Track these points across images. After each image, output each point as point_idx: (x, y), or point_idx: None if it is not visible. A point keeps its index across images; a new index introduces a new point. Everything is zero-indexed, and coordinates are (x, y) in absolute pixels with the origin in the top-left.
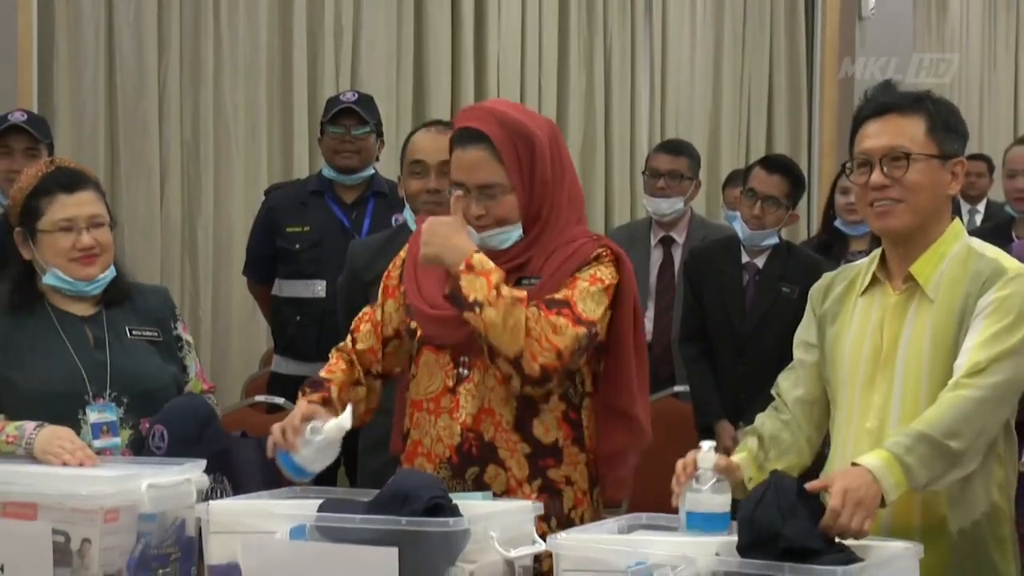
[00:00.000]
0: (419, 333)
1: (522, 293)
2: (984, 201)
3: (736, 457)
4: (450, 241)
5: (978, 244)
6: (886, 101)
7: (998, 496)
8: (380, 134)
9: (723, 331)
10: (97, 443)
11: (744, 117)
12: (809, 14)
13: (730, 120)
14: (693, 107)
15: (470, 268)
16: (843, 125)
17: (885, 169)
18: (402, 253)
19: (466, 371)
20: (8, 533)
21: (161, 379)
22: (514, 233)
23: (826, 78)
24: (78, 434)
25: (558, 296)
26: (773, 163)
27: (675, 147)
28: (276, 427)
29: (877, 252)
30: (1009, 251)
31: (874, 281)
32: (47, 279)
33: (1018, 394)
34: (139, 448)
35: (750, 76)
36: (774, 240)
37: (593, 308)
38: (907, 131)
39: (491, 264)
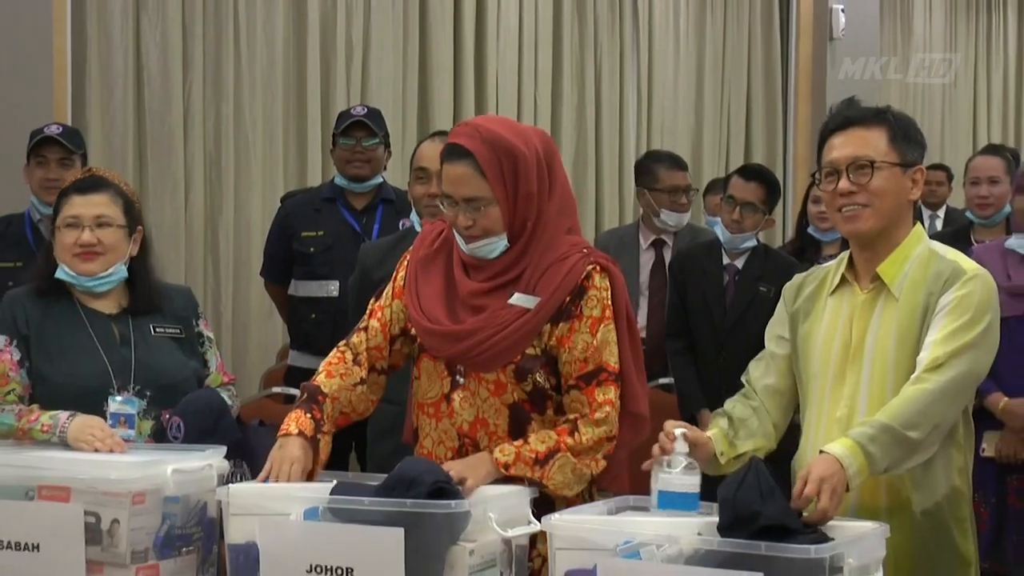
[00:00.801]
0: (419, 339)
1: (552, 445)
2: (944, 208)
3: (708, 434)
4: (480, 474)
5: (939, 247)
6: (850, 115)
7: (958, 480)
8: (388, 145)
9: (705, 327)
10: (117, 433)
11: (724, 131)
12: (784, 36)
13: (711, 133)
14: (677, 121)
15: (505, 467)
16: (816, 139)
17: (852, 177)
18: (407, 254)
19: (461, 379)
20: (44, 514)
21: (183, 373)
22: (500, 243)
23: (800, 95)
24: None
25: (589, 366)
26: (750, 172)
27: (683, 161)
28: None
29: (845, 255)
30: (969, 254)
31: (843, 281)
32: (58, 273)
33: (975, 385)
34: (160, 438)
35: (729, 93)
36: (752, 243)
37: (612, 351)
38: (870, 142)
39: (511, 451)
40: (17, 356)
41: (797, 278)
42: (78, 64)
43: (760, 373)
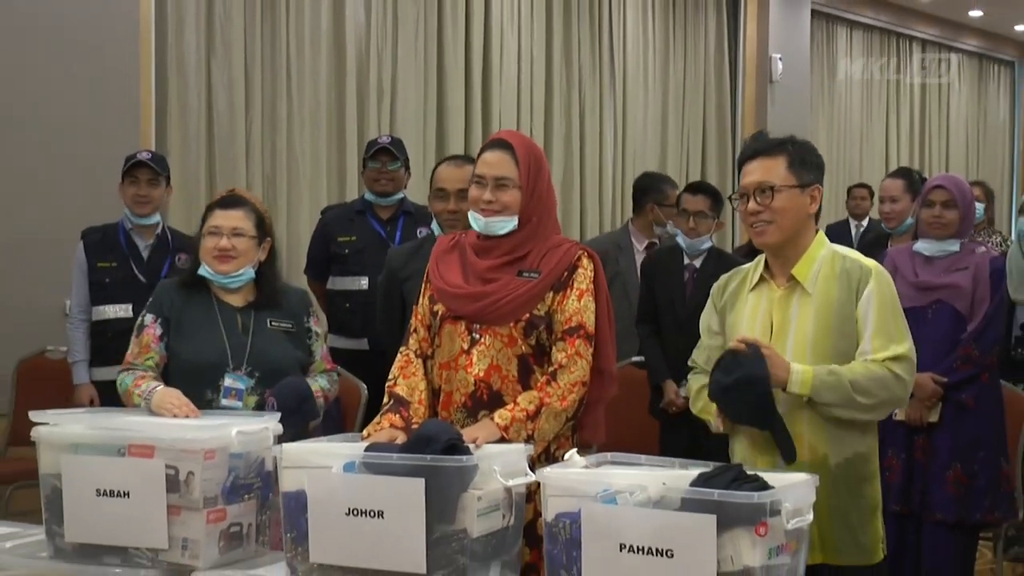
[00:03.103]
0: (440, 312)
1: (532, 404)
2: (867, 219)
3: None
4: (485, 434)
5: (839, 248)
6: (757, 147)
7: (869, 439)
8: (408, 167)
9: (669, 315)
10: (224, 402)
11: (684, 156)
12: (732, 79)
13: (673, 158)
14: (646, 149)
15: (506, 430)
16: None
17: (758, 199)
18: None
19: (478, 336)
20: (133, 467)
21: (288, 362)
22: (511, 223)
23: (745, 127)
24: (216, 396)
25: (572, 322)
26: (696, 187)
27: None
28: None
29: (761, 258)
30: (883, 256)
31: (761, 279)
32: (200, 270)
33: (914, 365)
34: (260, 410)
35: (688, 125)
36: (708, 245)
37: (590, 316)
38: (772, 169)
39: (507, 415)
40: (159, 332)
41: (723, 278)
42: (161, 103)
43: (704, 359)
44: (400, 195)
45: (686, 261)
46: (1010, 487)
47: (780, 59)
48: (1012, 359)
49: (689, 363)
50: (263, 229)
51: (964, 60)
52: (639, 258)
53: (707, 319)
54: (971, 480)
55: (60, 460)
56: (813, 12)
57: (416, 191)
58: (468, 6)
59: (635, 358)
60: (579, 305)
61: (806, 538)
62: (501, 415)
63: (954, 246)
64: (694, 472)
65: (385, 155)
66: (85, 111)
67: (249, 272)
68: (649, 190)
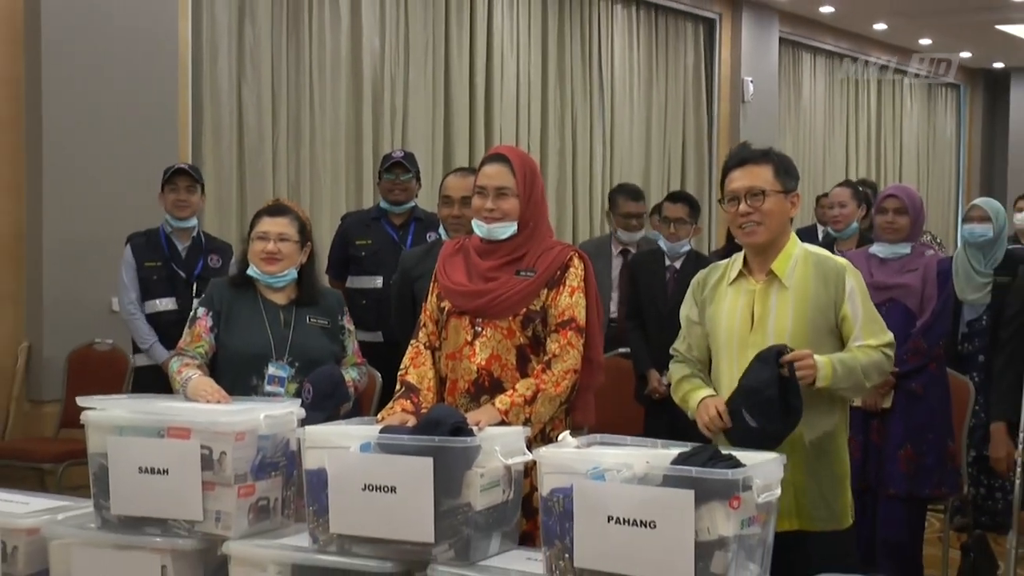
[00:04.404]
0: (446, 308)
1: (530, 389)
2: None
3: (711, 395)
4: (487, 417)
5: (809, 247)
6: (744, 156)
7: (838, 420)
8: (419, 179)
9: (653, 312)
10: (268, 388)
11: (666, 169)
12: (708, 100)
13: (656, 171)
14: (632, 162)
15: (505, 414)
16: None
17: (748, 202)
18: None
19: (480, 329)
20: (171, 448)
21: (324, 354)
22: (510, 228)
23: (720, 142)
24: (261, 382)
25: (565, 316)
26: (675, 196)
27: (642, 193)
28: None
29: (739, 255)
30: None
31: (740, 275)
32: (249, 271)
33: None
34: (299, 396)
35: (670, 141)
36: (687, 248)
37: (581, 311)
38: (761, 175)
39: (507, 401)
40: (210, 324)
41: (701, 274)
42: (196, 121)
43: (685, 348)
44: (411, 203)
45: (667, 263)
46: (955, 465)
47: (751, 81)
48: (959, 354)
49: (671, 351)
50: (304, 235)
51: (915, 83)
52: (615, 262)
53: (687, 310)
54: (920, 459)
55: (106, 441)
56: (781, 39)
57: (425, 199)
58: (472, 35)
59: (621, 349)
60: (571, 300)
61: (775, 510)
62: (501, 400)
63: (905, 249)
64: (674, 452)
65: (399, 168)
66: (130, 129)
67: (292, 273)
68: (609, 201)
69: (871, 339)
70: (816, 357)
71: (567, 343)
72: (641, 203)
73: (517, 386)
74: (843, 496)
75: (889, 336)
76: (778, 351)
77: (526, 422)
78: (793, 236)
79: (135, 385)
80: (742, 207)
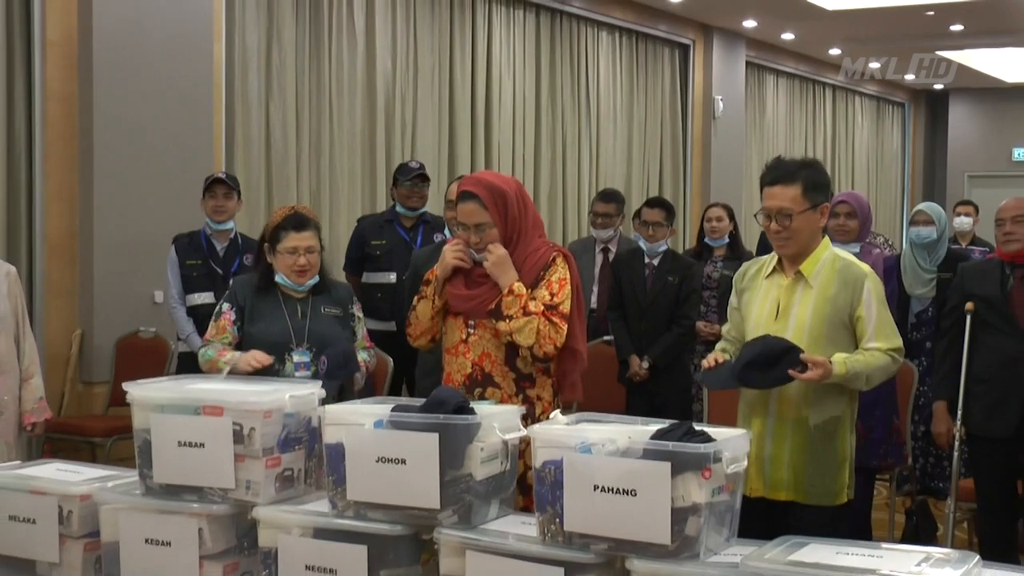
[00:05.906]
0: (446, 306)
1: (539, 308)
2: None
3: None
4: (506, 273)
5: (840, 251)
6: (776, 175)
7: (847, 404)
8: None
9: (633, 304)
10: (297, 374)
11: (645, 177)
12: (683, 116)
13: (636, 179)
14: (615, 173)
15: (511, 292)
16: (703, 185)
17: (778, 221)
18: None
19: (472, 329)
20: (206, 424)
21: (338, 340)
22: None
23: (694, 155)
24: (283, 366)
25: (553, 303)
26: (653, 201)
27: (612, 196)
28: None
29: (775, 254)
30: None
31: (774, 270)
32: (277, 278)
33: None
34: (315, 373)
35: (648, 153)
36: (664, 248)
37: (567, 303)
38: (789, 195)
39: (524, 290)
40: (233, 318)
41: (744, 266)
42: (229, 134)
43: (726, 330)
44: (422, 209)
45: (646, 260)
46: (900, 439)
47: (721, 100)
48: (909, 341)
49: (721, 330)
50: (319, 239)
51: (865, 102)
52: (598, 259)
53: (731, 298)
54: (869, 433)
55: (149, 418)
56: (747, 63)
57: (432, 204)
58: (473, 58)
59: (606, 337)
60: (557, 291)
61: (742, 480)
62: (521, 284)
63: (855, 248)
64: (653, 428)
65: (419, 179)
66: (171, 141)
67: (316, 277)
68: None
69: (882, 342)
70: (834, 357)
71: (557, 319)
72: (610, 204)
73: (527, 304)
74: (841, 477)
75: (898, 342)
76: (795, 349)
77: (509, 319)
78: (825, 240)
79: (179, 368)
80: (773, 225)
